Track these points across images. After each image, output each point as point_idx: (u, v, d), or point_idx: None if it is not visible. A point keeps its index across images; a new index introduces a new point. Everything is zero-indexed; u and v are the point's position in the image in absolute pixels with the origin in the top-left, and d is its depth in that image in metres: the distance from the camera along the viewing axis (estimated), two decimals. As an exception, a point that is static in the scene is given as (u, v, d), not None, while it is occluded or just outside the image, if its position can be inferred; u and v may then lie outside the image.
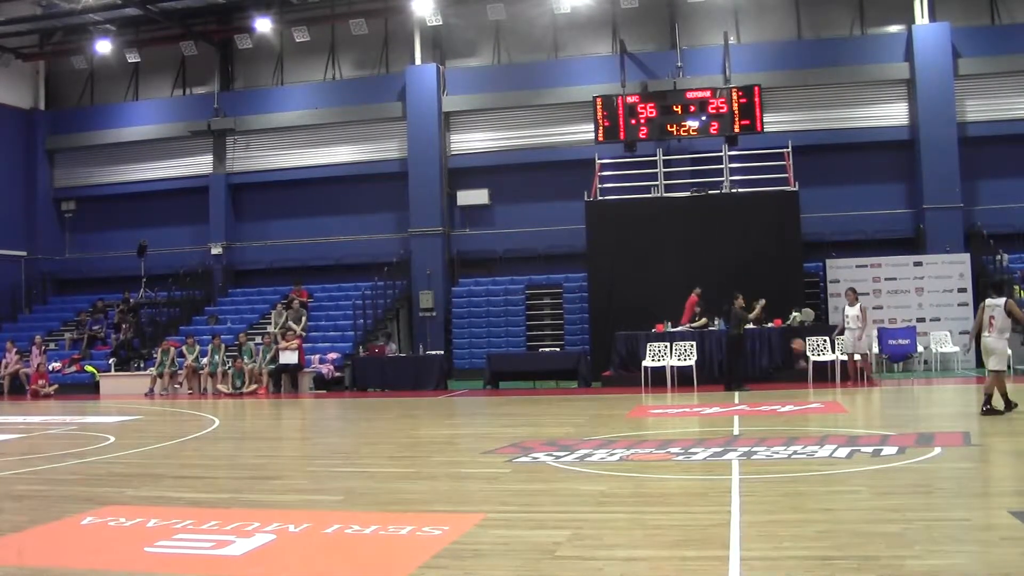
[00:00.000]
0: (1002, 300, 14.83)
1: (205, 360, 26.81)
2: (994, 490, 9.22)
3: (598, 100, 27.37)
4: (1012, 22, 29.36)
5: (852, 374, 21.73)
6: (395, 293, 30.65)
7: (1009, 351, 16.87)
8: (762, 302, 22.64)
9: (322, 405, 22.59)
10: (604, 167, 27.51)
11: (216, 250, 33.41)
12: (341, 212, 32.41)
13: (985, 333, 14.89)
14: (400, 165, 31.81)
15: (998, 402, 14.48)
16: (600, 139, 27.46)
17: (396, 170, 31.85)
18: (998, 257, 26.86)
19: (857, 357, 21.79)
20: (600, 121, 27.20)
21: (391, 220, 32.04)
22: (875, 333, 25.08)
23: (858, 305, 21.86)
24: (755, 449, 11.50)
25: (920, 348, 25.42)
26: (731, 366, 21.87)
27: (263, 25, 31.08)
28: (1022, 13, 29.48)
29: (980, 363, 23.20)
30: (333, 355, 26.70)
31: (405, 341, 30.22)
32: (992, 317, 14.78)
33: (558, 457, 11.43)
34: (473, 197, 31.38)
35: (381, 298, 29.97)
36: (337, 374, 26.23)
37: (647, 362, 22.91)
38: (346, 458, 12.89)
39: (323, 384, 25.83)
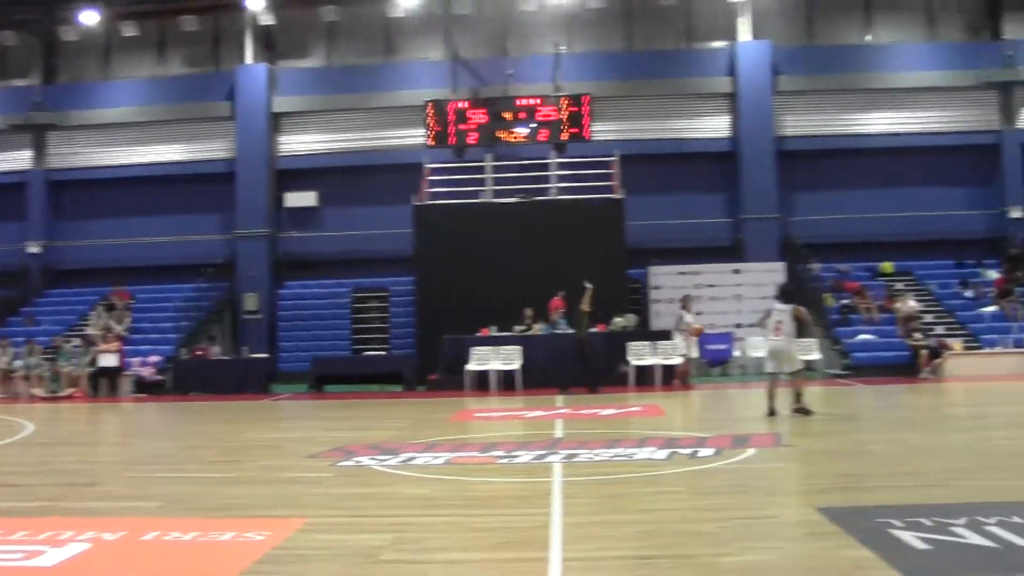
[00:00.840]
0: (789, 306, 15.50)
1: (19, 363, 25.78)
2: (804, 488, 9.61)
3: (429, 105, 27.44)
4: (828, 43, 30.79)
5: (682, 376, 22.34)
6: (220, 295, 30.10)
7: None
8: (589, 287, 22.76)
9: (143, 409, 21.99)
10: (433, 172, 27.54)
11: (33, 249, 32.12)
12: (166, 212, 31.57)
13: (773, 337, 15.53)
14: (227, 166, 31.23)
15: (780, 404, 15.20)
16: (430, 143, 27.52)
17: (223, 170, 31.25)
18: (811, 266, 28.02)
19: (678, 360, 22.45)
20: (431, 126, 27.27)
21: (217, 221, 31.41)
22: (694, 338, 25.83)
23: (694, 311, 22.59)
24: (577, 452, 11.70)
25: (737, 353, 26.27)
26: (585, 368, 22.15)
27: (89, 17, 30.11)
28: (837, 35, 30.99)
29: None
30: (154, 358, 26.03)
31: (229, 344, 29.64)
32: (780, 322, 15.44)
33: (382, 461, 11.40)
34: (301, 199, 31.04)
35: (205, 300, 29.41)
36: (158, 377, 25.57)
37: (471, 366, 23.06)
38: (166, 463, 12.56)
39: (144, 387, 25.15)
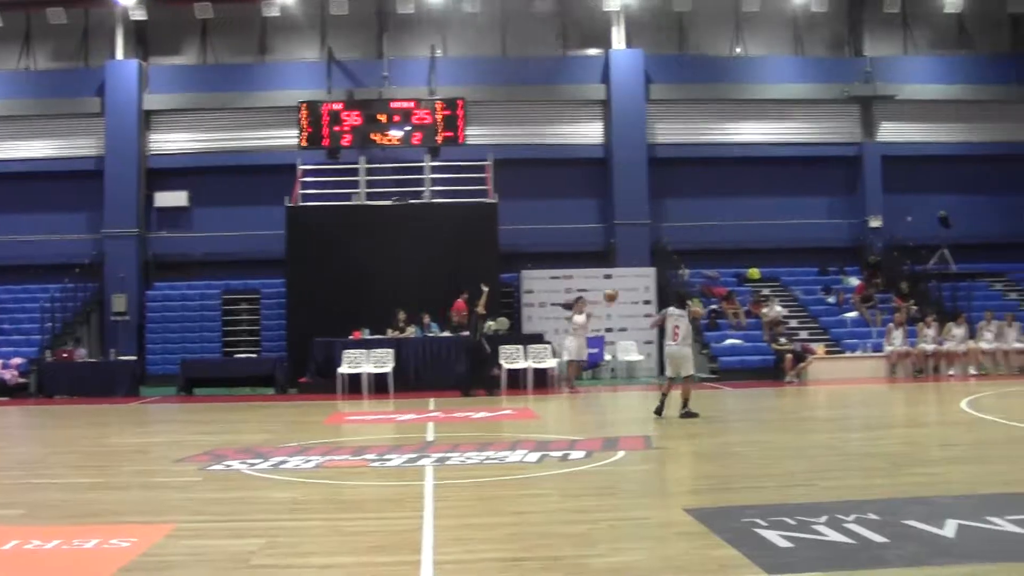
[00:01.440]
0: (685, 311, 15.78)
1: None
2: (672, 490, 9.80)
3: (303, 106, 27.15)
4: (699, 53, 31.43)
5: (571, 376, 22.55)
6: (86, 296, 29.28)
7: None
8: (486, 290, 22.79)
9: (4, 413, 21.23)
10: (306, 173, 27.27)
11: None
12: (31, 210, 30.35)
13: (670, 342, 15.80)
14: (96, 163, 30.32)
15: (671, 408, 15.50)
16: (304, 145, 27.23)
17: (92, 168, 30.28)
18: (680, 271, 28.54)
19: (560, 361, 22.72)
20: (304, 127, 26.99)
21: (84, 220, 30.46)
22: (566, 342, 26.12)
23: (585, 313, 22.82)
24: (449, 455, 11.73)
25: (608, 356, 26.59)
26: (475, 371, 22.15)
27: (-50, 8, 29.01)
28: (708, 45, 31.66)
29: (662, 370, 24.57)
30: (17, 360, 25.17)
31: (96, 346, 28.84)
32: (677, 327, 15.70)
33: (252, 465, 11.27)
34: (172, 199, 30.34)
35: (71, 301, 28.56)
36: (21, 380, 24.74)
37: (343, 369, 22.92)
38: (30, 469, 12.18)
39: (5, 391, 24.30)
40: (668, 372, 16.15)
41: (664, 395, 15.81)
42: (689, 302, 16.10)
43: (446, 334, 24.07)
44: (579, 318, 22.86)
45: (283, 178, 27.46)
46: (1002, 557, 6.40)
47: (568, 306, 23.63)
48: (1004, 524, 7.21)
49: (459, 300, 24.09)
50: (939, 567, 6.21)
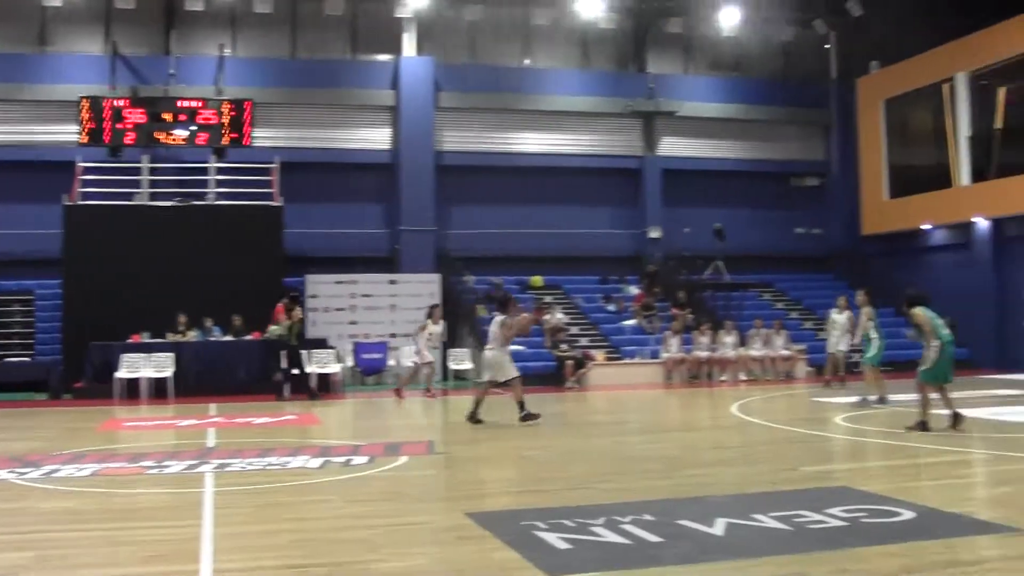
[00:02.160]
0: (501, 317, 15.81)
1: None
2: (454, 494, 9.88)
3: (84, 101, 26.00)
4: (488, 62, 31.80)
5: (428, 381, 22.36)
6: None
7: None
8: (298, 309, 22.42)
9: None
10: (86, 171, 26.19)
11: None
12: None
13: (490, 346, 15.83)
14: None
15: (476, 410, 15.57)
16: (84, 141, 26.11)
17: None
18: (464, 278, 28.80)
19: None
20: (85, 123, 25.89)
21: None
22: (350, 347, 26.02)
23: (442, 323, 22.84)
24: (230, 461, 11.51)
25: (391, 362, 26.57)
26: (288, 374, 21.70)
27: None
28: (498, 56, 32.07)
29: (447, 376, 24.78)
30: None
31: None
32: (495, 332, 15.75)
33: (22, 474, 10.78)
34: (-63, 195, 28.62)
35: None
36: None
37: (121, 373, 22.17)
38: None
39: None
40: (484, 376, 16.17)
41: (478, 401, 15.82)
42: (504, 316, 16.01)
43: (228, 338, 23.58)
44: (432, 326, 22.68)
45: (61, 175, 26.20)
46: (766, 552, 6.74)
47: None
48: (768, 521, 7.60)
49: (280, 304, 23.73)
50: (709, 564, 6.51)
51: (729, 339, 26.40)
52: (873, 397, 17.77)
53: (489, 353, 15.80)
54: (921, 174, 31.79)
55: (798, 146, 34.61)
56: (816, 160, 34.77)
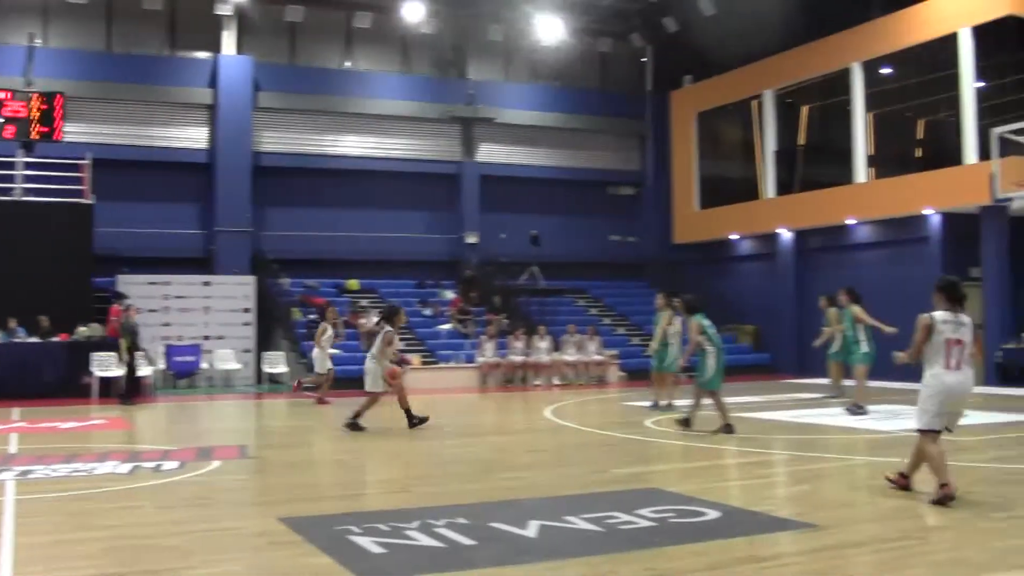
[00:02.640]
0: (388, 328, 15.49)
1: None
2: (267, 499, 9.79)
3: None
4: (308, 64, 31.52)
5: (325, 388, 21.70)
6: None
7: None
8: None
9: None
10: None
11: None
12: None
13: (371, 355, 15.57)
14: None
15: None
16: None
17: None
18: (280, 280, 28.46)
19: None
20: None
21: None
22: (162, 349, 25.39)
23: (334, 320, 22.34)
24: (33, 468, 11.13)
25: (204, 365, 26.06)
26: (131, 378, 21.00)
27: None
28: (318, 57, 31.81)
29: (261, 380, 24.49)
30: None
31: None
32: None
33: None
34: None
35: None
36: None
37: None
38: None
39: None
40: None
41: (406, 408, 15.46)
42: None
43: (34, 339, 22.69)
44: (332, 330, 22.25)
45: None
46: (577, 553, 6.94)
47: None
48: (579, 522, 7.81)
49: (114, 306, 22.98)
50: (522, 565, 6.64)
51: (543, 344, 26.81)
52: (664, 402, 18.15)
53: (369, 363, 15.56)
54: (730, 186, 33.04)
55: (614, 156, 35.40)
56: (632, 170, 35.61)
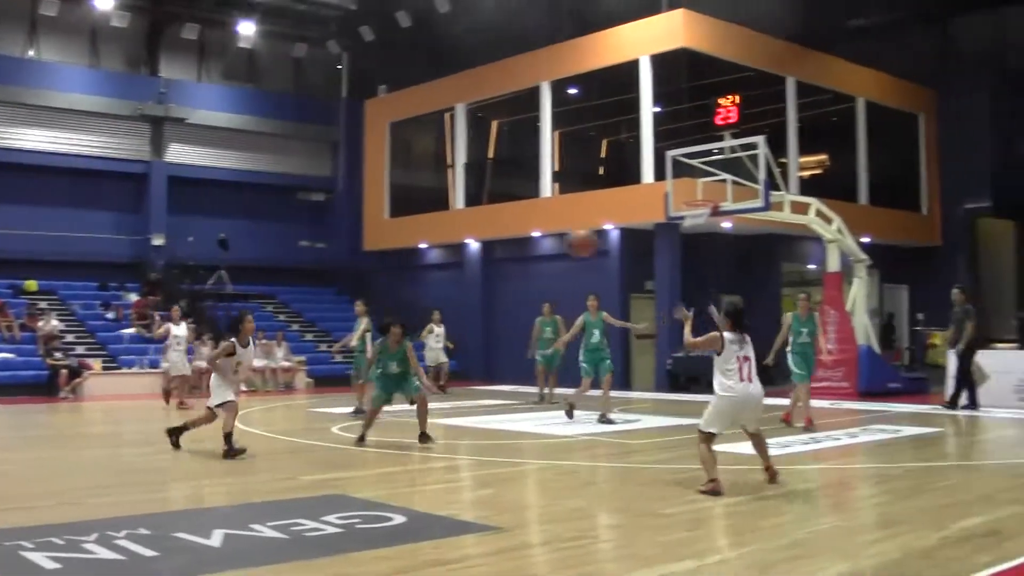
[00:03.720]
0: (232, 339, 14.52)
1: None
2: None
3: None
4: None
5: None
6: None
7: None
8: None
9: None
10: None
11: None
12: None
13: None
14: None
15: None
16: None
17: None
18: None
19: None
20: None
21: None
22: None
23: (183, 324, 21.34)
24: None
25: None
26: None
27: None
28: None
29: None
30: None
31: None
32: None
33: None
34: None
35: None
36: None
37: None
38: None
39: None
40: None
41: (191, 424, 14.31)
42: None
43: None
44: (177, 329, 20.62)
45: None
46: (263, 561, 6.94)
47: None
48: (265, 530, 7.80)
49: None
50: (205, 576, 6.58)
51: (230, 349, 26.32)
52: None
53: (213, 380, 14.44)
54: (421, 196, 33.56)
55: (307, 161, 35.31)
56: (324, 176, 35.62)
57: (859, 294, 22.99)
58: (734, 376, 9.56)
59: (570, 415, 16.61)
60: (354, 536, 7.74)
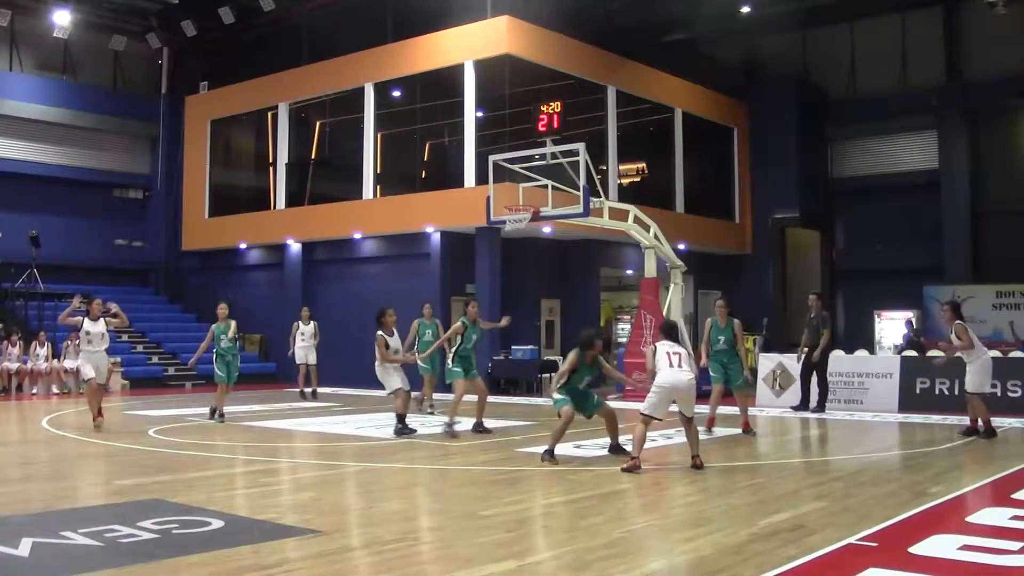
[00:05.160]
0: None
1: None
2: None
3: None
4: None
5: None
6: None
7: None
8: None
9: None
10: None
11: None
12: None
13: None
14: None
15: None
16: None
17: None
18: None
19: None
20: None
21: None
22: None
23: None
24: None
25: None
26: None
27: None
28: None
29: None
30: None
31: None
32: None
33: None
34: None
35: None
36: None
37: None
38: None
39: None
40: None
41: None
42: None
43: None
44: (95, 326, 19.08)
45: None
46: (74, 570, 6.78)
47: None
48: (77, 538, 7.63)
49: None
50: (11, 586, 6.42)
51: (42, 351, 25.50)
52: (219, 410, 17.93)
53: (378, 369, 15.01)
54: (242, 195, 33.11)
55: (124, 157, 34.46)
56: (142, 173, 34.83)
57: (675, 299, 23.67)
58: (664, 365, 11.19)
59: (452, 434, 15.19)
60: (170, 542, 7.64)
